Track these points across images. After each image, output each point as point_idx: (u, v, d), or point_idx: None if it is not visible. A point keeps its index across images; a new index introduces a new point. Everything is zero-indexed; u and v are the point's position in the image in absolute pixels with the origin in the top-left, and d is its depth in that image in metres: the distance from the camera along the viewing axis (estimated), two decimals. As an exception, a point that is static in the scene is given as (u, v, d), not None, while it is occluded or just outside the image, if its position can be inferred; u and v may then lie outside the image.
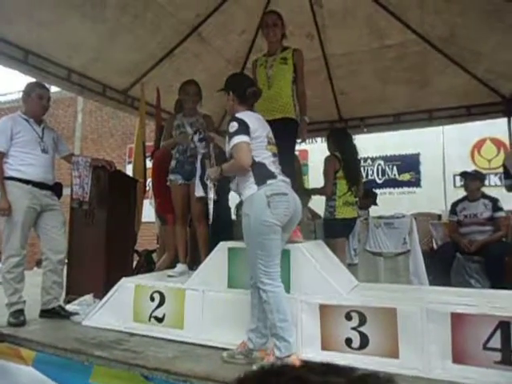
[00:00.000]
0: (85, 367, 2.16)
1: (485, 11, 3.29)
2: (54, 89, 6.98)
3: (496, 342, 1.79)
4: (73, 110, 10.95)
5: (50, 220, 2.93)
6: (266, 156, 2.09)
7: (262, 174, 2.03)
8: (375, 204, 4.85)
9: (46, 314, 2.90)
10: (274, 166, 2.10)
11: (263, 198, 1.97)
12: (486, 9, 3.25)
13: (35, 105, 2.92)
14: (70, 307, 2.97)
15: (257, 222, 1.96)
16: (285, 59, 2.80)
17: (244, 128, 2.02)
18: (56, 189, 3.03)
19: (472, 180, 3.97)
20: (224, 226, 3.53)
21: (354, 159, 3.54)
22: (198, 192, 2.81)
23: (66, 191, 3.22)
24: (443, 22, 3.70)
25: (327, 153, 3.57)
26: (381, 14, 3.87)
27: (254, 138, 2.06)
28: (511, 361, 1.75)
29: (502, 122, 4.72)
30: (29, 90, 2.93)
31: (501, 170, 6.22)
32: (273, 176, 2.05)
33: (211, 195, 2.50)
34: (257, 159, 2.06)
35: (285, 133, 2.73)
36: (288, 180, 2.14)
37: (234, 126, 2.03)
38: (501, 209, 3.79)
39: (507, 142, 4.86)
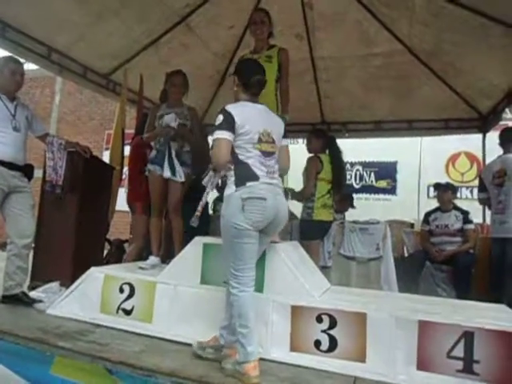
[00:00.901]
0: (46, 358, 2.08)
1: (470, 30, 3.37)
2: (31, 66, 6.72)
3: (459, 351, 1.84)
4: (50, 91, 10.57)
5: (17, 203, 2.81)
6: (252, 155, 1.96)
7: (242, 175, 1.94)
8: (352, 207, 4.91)
9: (8, 300, 2.78)
10: (261, 167, 1.97)
11: (238, 201, 1.89)
12: (471, 28, 3.34)
13: (8, 80, 2.79)
14: (34, 294, 2.86)
15: (229, 225, 1.91)
16: (270, 57, 2.80)
17: (228, 122, 1.92)
18: (27, 170, 2.90)
19: (444, 191, 4.09)
20: (200, 221, 3.49)
21: (341, 162, 3.59)
22: (166, 173, 2.86)
23: (38, 173, 3.09)
24: (430, 36, 3.78)
25: (308, 154, 3.59)
26: (370, 22, 3.91)
27: (240, 134, 1.94)
28: (472, 370, 1.80)
29: (477, 137, 4.88)
30: (1, 65, 2.79)
31: (473, 183, 6.47)
32: (254, 178, 1.93)
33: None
34: (240, 157, 1.96)
35: None
36: (276, 181, 2.02)
37: (219, 118, 1.95)
38: (471, 221, 3.92)
39: (480, 157, 5.03)
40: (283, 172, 2.18)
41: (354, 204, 4.96)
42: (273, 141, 2.03)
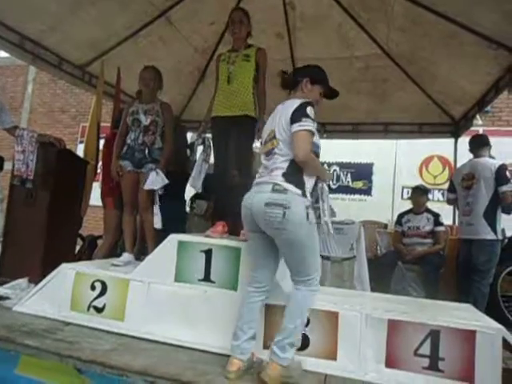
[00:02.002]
0: (11, 357, 2.01)
1: (444, 38, 3.48)
2: (2, 54, 6.45)
3: (426, 348, 1.90)
4: (23, 80, 10.19)
5: (-15, 196, 2.71)
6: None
7: None
8: None
9: (-27, 296, 2.68)
10: (262, 169, 2.01)
11: None
12: (445, 35, 3.44)
13: None
14: (0, 291, 2.75)
15: None
16: (247, 56, 2.79)
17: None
18: (-4, 162, 2.80)
19: (421, 195, 4.22)
20: (177, 219, 3.47)
21: None
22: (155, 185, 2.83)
23: (8, 166, 2.98)
24: (407, 42, 3.86)
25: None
26: (350, 25, 3.97)
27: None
28: (438, 367, 1.87)
29: (450, 141, 5.04)
30: None
31: (444, 186, 6.66)
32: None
33: None
34: None
35: (244, 131, 2.73)
36: (264, 179, 1.93)
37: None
38: (441, 224, 4.05)
39: (452, 161, 5.20)
40: (300, 163, 1.88)
41: (330, 203, 5.01)
42: (274, 136, 1.97)
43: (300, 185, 1.87)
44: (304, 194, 1.86)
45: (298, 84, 2.07)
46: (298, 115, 1.88)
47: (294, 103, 1.93)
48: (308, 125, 1.86)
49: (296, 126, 1.86)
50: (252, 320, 1.96)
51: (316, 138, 2.00)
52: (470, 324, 1.90)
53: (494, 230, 3.31)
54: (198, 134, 3.03)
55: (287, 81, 2.11)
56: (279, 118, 1.96)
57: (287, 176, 1.87)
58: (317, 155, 2.02)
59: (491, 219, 3.32)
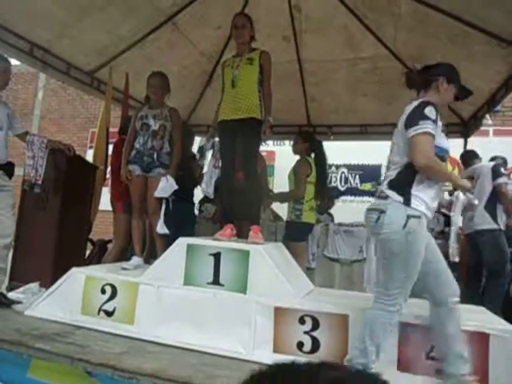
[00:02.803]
0: (23, 360, 2.03)
1: (453, 37, 3.44)
2: (14, 62, 6.54)
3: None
4: (33, 87, 10.35)
5: (-3, 201, 2.74)
6: None
7: None
8: (332, 203, 4.92)
9: (-15, 301, 2.71)
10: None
11: None
12: (454, 34, 3.41)
13: None
14: (12, 295, 2.79)
15: None
16: (251, 60, 2.80)
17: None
18: (8, 168, 2.83)
19: None
20: (187, 222, 3.48)
21: (325, 168, 3.64)
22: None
23: (20, 171, 3.03)
24: (414, 42, 3.83)
25: (294, 155, 3.61)
26: (356, 26, 3.95)
27: None
28: (451, 370, 1.84)
29: (459, 142, 4.98)
30: None
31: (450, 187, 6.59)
32: None
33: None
34: None
35: (250, 133, 2.73)
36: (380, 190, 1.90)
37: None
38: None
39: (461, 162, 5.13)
40: (421, 170, 1.74)
41: (339, 208, 4.99)
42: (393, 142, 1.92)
43: (405, 193, 1.75)
44: (407, 203, 1.73)
45: (430, 83, 1.91)
46: (414, 118, 1.75)
47: (412, 105, 1.81)
48: (426, 127, 1.70)
49: (412, 131, 1.74)
50: None
51: (442, 140, 1.81)
52: (484, 327, 1.87)
53: (495, 220, 3.48)
54: (206, 138, 3.05)
55: (416, 80, 1.95)
56: (399, 122, 1.87)
57: (392, 183, 1.80)
58: (443, 159, 1.82)
59: (492, 211, 3.51)
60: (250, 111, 2.72)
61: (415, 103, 1.80)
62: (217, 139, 2.98)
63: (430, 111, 1.74)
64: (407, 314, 2.02)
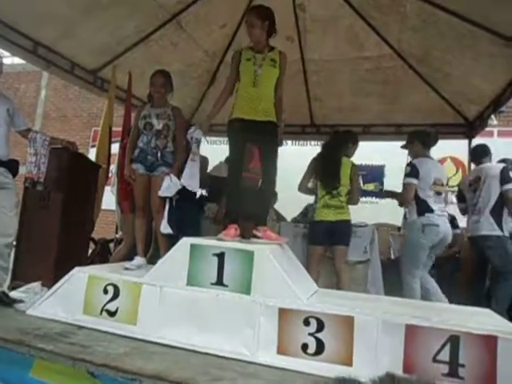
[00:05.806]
0: (25, 360, 2.01)
1: (459, 37, 3.42)
2: (17, 60, 6.55)
3: (445, 355, 1.84)
4: (36, 85, 10.35)
5: (0, 199, 2.73)
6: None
7: None
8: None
9: (-13, 300, 2.70)
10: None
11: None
12: (459, 35, 3.38)
13: None
14: (14, 294, 2.77)
15: None
16: (274, 61, 2.68)
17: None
18: (11, 166, 2.82)
19: None
20: (190, 222, 3.46)
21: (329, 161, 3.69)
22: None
23: (23, 170, 3.02)
24: (419, 42, 3.81)
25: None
26: (361, 26, 3.93)
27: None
28: (458, 374, 1.81)
29: (464, 143, 4.95)
30: None
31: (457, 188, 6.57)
32: None
33: None
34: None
35: (271, 138, 2.68)
36: None
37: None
38: (457, 226, 3.99)
39: (466, 163, 5.11)
40: None
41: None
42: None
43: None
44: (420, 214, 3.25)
45: None
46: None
47: None
48: None
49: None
50: None
51: None
52: (492, 329, 1.84)
53: (500, 227, 3.41)
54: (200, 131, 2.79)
55: None
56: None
57: None
58: None
59: (497, 217, 3.44)
60: (268, 114, 2.65)
61: None
62: (196, 134, 2.74)
63: None
64: (412, 315, 1.99)
